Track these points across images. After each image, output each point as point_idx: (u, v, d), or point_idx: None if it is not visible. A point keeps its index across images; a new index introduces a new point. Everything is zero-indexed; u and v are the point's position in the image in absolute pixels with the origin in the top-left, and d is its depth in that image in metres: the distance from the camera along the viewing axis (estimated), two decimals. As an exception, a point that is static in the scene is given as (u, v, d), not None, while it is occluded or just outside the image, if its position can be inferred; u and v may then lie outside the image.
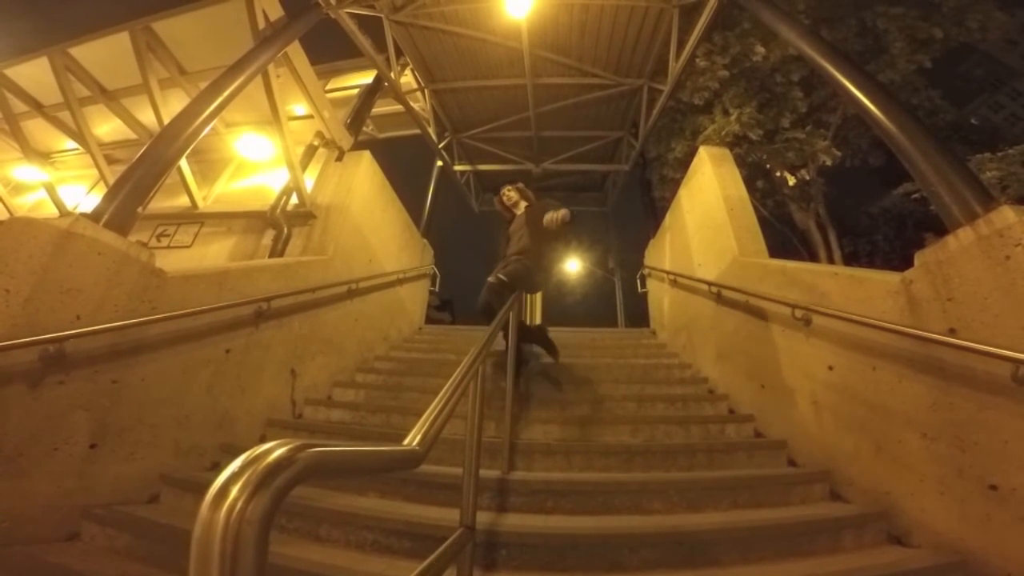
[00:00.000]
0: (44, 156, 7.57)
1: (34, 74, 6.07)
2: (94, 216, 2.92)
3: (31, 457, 2.37)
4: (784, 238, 9.01)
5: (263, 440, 3.03)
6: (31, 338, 2.32)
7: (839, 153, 7.07)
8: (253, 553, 0.47)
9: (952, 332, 2.21)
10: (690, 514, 2.49)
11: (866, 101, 3.04)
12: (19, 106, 6.60)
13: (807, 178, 7.69)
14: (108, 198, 3.09)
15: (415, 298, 7.61)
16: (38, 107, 6.65)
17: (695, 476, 2.86)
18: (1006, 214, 2.11)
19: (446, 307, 15.01)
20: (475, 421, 1.82)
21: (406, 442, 1.02)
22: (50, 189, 7.17)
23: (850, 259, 8.94)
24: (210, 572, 0.45)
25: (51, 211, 7.10)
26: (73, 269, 2.60)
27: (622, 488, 2.59)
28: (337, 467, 0.66)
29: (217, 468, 3.16)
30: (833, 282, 3.15)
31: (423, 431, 1.07)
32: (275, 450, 0.54)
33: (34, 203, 7.84)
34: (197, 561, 0.46)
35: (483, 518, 2.22)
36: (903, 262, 2.62)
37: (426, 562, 1.19)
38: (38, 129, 7.04)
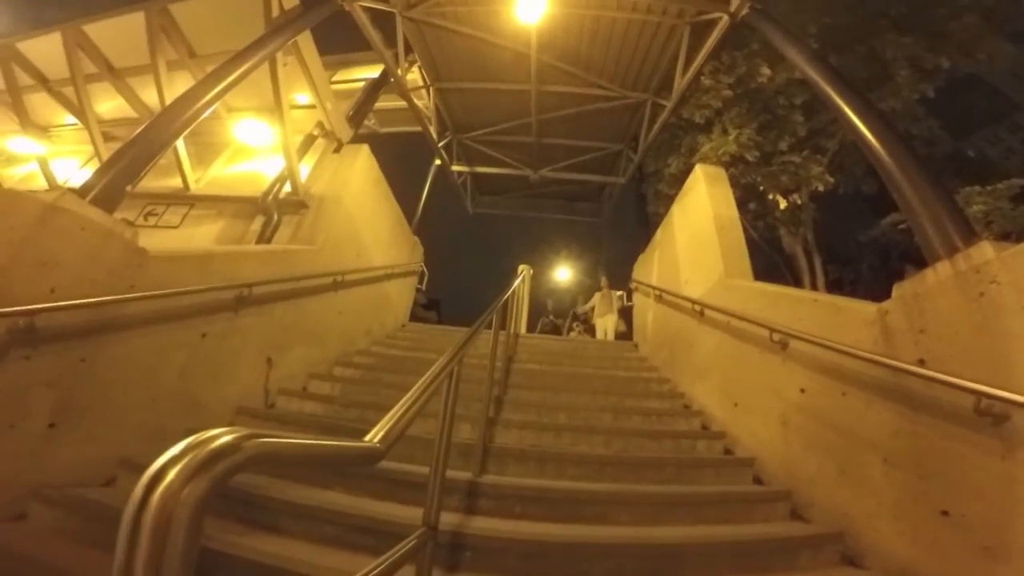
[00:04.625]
0: (42, 129, 7.47)
1: (44, 49, 5.99)
2: (82, 192, 2.89)
3: None
4: (771, 261, 9.12)
5: (230, 426, 3.01)
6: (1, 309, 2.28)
7: (832, 180, 7.17)
8: (184, 535, 0.48)
9: (921, 363, 2.25)
10: (656, 527, 2.51)
11: (863, 128, 3.12)
12: (24, 79, 6.51)
13: (799, 202, 7.79)
14: (99, 174, 3.07)
15: (402, 295, 7.58)
16: (43, 81, 6.57)
17: (663, 490, 2.88)
18: (985, 250, 2.16)
19: (433, 307, 14.96)
20: (446, 421, 1.83)
21: (367, 438, 1.01)
22: (42, 162, 7.07)
23: (834, 286, 9.07)
24: (137, 551, 0.45)
25: (41, 184, 6.98)
26: (54, 242, 2.57)
27: (591, 498, 2.61)
28: (286, 459, 0.66)
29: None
30: (812, 308, 3.21)
31: (386, 428, 1.07)
32: (220, 437, 0.55)
33: (24, 175, 7.68)
34: (125, 539, 0.47)
35: (451, 519, 2.21)
36: (885, 292, 2.67)
37: (381, 558, 1.19)
38: (40, 103, 6.95)
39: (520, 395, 4.32)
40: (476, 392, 3.40)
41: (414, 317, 8.32)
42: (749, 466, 3.35)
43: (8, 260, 2.40)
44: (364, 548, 2.09)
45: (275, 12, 4.79)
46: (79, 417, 2.67)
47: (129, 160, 3.21)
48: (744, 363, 3.84)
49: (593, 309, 9.77)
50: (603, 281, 10.07)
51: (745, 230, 5.23)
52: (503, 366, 4.59)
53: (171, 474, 0.49)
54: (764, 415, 3.46)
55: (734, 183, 5.88)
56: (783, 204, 7.95)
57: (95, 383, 2.74)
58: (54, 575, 1.97)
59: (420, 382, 1.52)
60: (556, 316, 12.25)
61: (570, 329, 11.13)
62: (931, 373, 2.11)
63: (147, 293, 2.89)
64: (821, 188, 7.13)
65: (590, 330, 10.18)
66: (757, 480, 3.32)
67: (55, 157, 7.42)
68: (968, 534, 1.96)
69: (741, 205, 6.08)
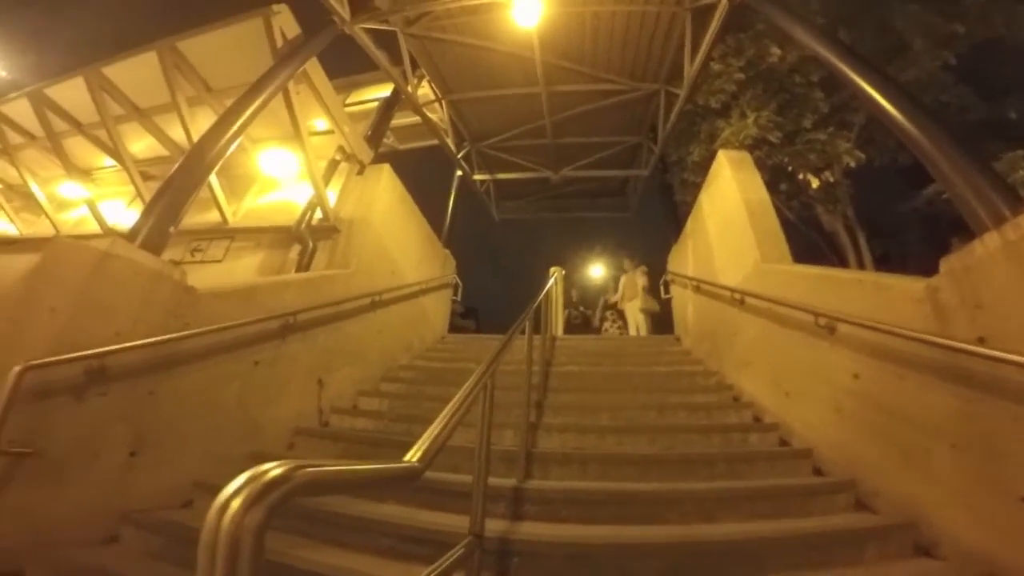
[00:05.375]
0: (85, 173, 7.94)
1: (72, 94, 6.34)
2: (130, 236, 3.13)
3: (76, 464, 2.54)
4: (811, 241, 8.75)
5: (291, 448, 3.16)
6: (76, 354, 2.51)
7: (863, 156, 6.85)
8: (249, 555, 0.57)
9: (981, 341, 2.13)
10: (705, 525, 2.47)
11: (884, 103, 3.00)
12: (60, 124, 6.92)
13: (832, 180, 7.47)
14: (143, 218, 3.30)
15: (438, 308, 7.72)
16: (78, 126, 6.97)
17: (712, 486, 2.82)
18: (1034, 216, 2.04)
19: (471, 315, 15.09)
20: (484, 432, 1.87)
21: (407, 457, 1.07)
22: (91, 205, 7.53)
23: (881, 262, 8.60)
24: (214, 571, 0.55)
25: (93, 227, 7.49)
26: (111, 288, 2.79)
27: (637, 498, 2.59)
28: (332, 485, 0.73)
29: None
30: (857, 289, 3.08)
31: (424, 447, 1.13)
32: (273, 470, 0.62)
33: (77, 219, 8.26)
34: (203, 560, 0.56)
35: (497, 526, 2.25)
36: (936, 264, 2.53)
37: (431, 568, 1.24)
38: (78, 147, 7.35)
39: (560, 398, 4.34)
40: (515, 398, 3.43)
41: (453, 327, 8.45)
42: (807, 457, 3.24)
43: (74, 308, 2.63)
44: (416, 557, 2.15)
45: (279, 43, 4.97)
46: (154, 446, 2.89)
47: (168, 201, 3.44)
48: (791, 350, 3.72)
49: (622, 296, 9.40)
50: (625, 263, 9.64)
51: (779, 211, 5.06)
52: (541, 370, 4.62)
53: (235, 505, 0.58)
54: (817, 403, 3.34)
55: (760, 165, 5.70)
56: (815, 183, 7.64)
57: (164, 414, 2.96)
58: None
59: (454, 400, 1.57)
60: (585, 307, 11.60)
61: (602, 319, 10.48)
62: (997, 353, 1.95)
63: (202, 329, 3.10)
64: (852, 164, 6.83)
65: (622, 316, 9.67)
66: (817, 471, 3.20)
67: (101, 199, 7.86)
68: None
69: (771, 187, 5.88)
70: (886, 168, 7.84)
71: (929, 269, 2.60)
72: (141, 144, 7.14)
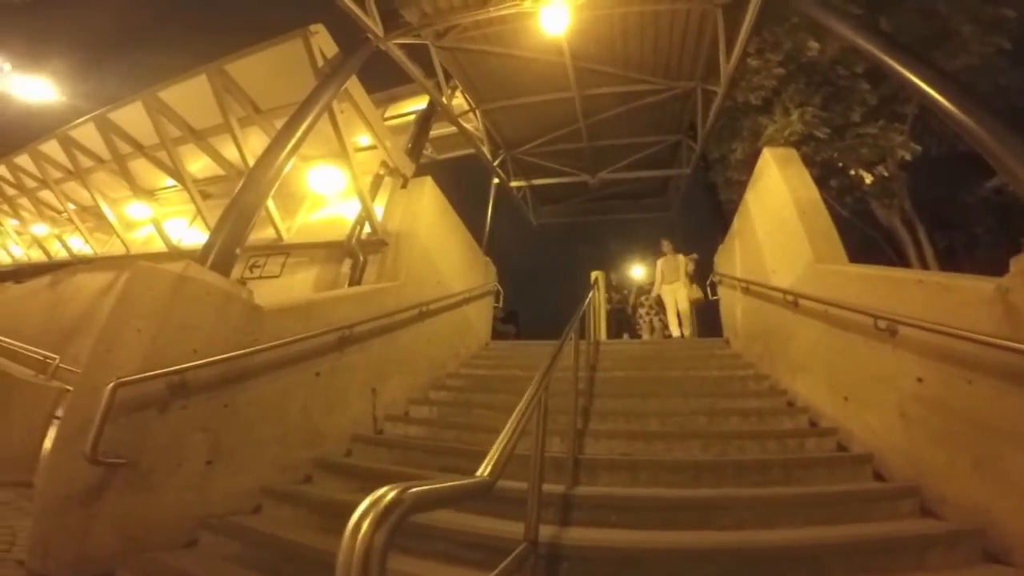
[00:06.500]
0: (149, 193, 8.56)
1: (133, 117, 6.79)
2: (200, 259, 3.39)
3: (160, 473, 2.77)
4: (867, 237, 8.33)
5: (349, 454, 3.32)
6: (160, 371, 2.74)
7: (919, 148, 6.47)
8: (377, 565, 0.70)
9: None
10: (760, 531, 2.44)
11: (934, 93, 2.88)
12: (124, 147, 7.42)
13: (886, 174, 7.10)
14: (212, 239, 3.57)
15: (481, 315, 7.87)
16: (140, 148, 7.46)
17: (767, 492, 2.79)
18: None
19: (511, 319, 15.24)
20: (538, 443, 1.94)
21: (479, 473, 1.17)
22: (157, 224, 8.11)
23: (945, 255, 8.09)
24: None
25: (160, 245, 8.07)
26: (188, 308, 3.03)
27: (687, 504, 2.60)
28: (431, 502, 0.84)
29: (310, 481, 3.50)
30: (918, 289, 2.97)
31: (492, 463, 1.24)
32: (388, 494, 0.73)
33: (145, 238, 8.92)
34: (343, 568, 0.69)
35: (547, 531, 2.29)
36: (1011, 256, 2.42)
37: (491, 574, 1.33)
38: (141, 168, 7.87)
39: (607, 404, 4.36)
40: (562, 404, 3.44)
41: (495, 333, 8.57)
42: (867, 462, 3.15)
43: (157, 328, 2.88)
44: (472, 563, 2.24)
45: (319, 62, 5.17)
46: (229, 454, 3.12)
47: (233, 224, 3.71)
48: (849, 353, 3.60)
49: (661, 279, 8.44)
50: (664, 245, 8.72)
51: (831, 208, 4.87)
52: (587, 375, 4.65)
53: (364, 526, 0.70)
54: (879, 408, 3.23)
55: (808, 162, 5.51)
56: (869, 178, 7.27)
57: (237, 424, 3.19)
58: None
59: (513, 416, 1.65)
60: (618, 290, 11.02)
61: (635, 306, 9.62)
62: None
63: (268, 345, 3.32)
64: (908, 157, 6.46)
65: (661, 308, 8.71)
66: (878, 476, 3.10)
67: (165, 218, 8.43)
68: None
69: (821, 183, 5.67)
70: (946, 157, 7.38)
71: (1000, 260, 2.48)
72: (198, 164, 7.58)
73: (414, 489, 0.77)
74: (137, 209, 8.44)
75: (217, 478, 3.03)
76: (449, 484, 0.99)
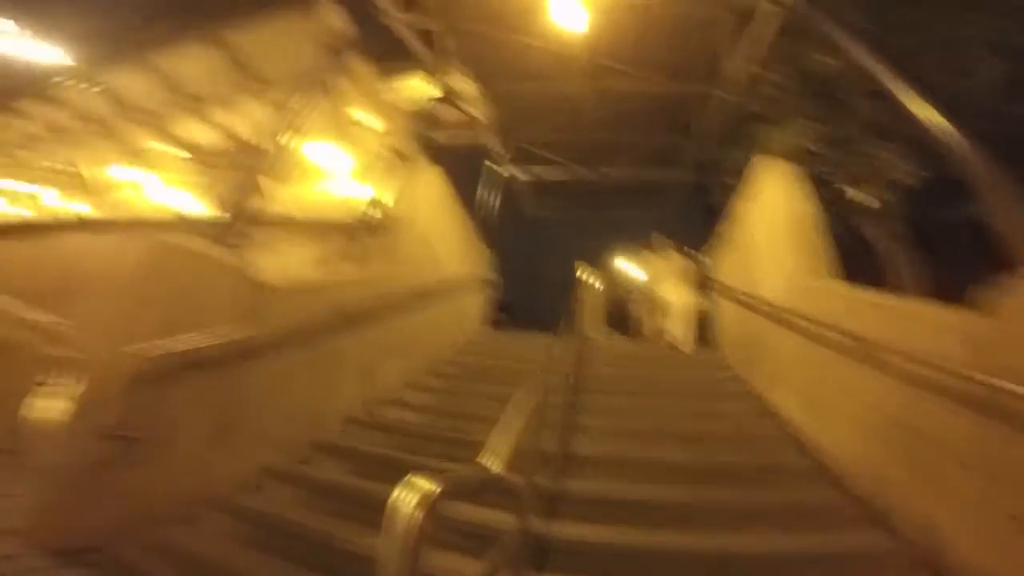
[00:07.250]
0: (145, 156, 8.40)
1: (134, 83, 6.71)
2: (212, 237, 3.47)
3: (166, 449, 2.82)
4: (850, 251, 8.50)
5: (345, 437, 3.43)
6: (173, 348, 2.79)
7: (910, 169, 6.64)
8: (415, 542, 0.87)
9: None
10: (732, 535, 2.59)
11: (926, 122, 3.06)
12: (123, 111, 7.31)
13: (880, 192, 7.27)
14: (221, 217, 3.66)
15: (477, 303, 7.98)
16: (142, 111, 7.34)
17: (740, 496, 2.97)
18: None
19: (506, 309, 15.32)
20: (536, 441, 2.09)
21: (490, 466, 1.35)
22: (156, 190, 8.07)
23: (930, 274, 8.31)
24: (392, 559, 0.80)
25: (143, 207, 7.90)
26: (201, 284, 3.13)
27: (668, 504, 2.78)
28: (458, 491, 0.99)
29: (308, 463, 3.60)
30: (894, 314, 3.12)
31: (502, 457, 1.39)
32: (421, 481, 0.87)
33: (126, 199, 8.79)
34: (384, 553, 0.82)
35: (536, 524, 2.43)
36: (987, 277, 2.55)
37: (483, 561, 1.50)
38: (138, 133, 7.79)
39: (595, 401, 4.50)
40: (550, 399, 3.56)
41: (490, 322, 8.66)
42: (829, 472, 3.32)
43: (172, 303, 2.97)
44: (467, 550, 2.34)
45: (325, 35, 5.15)
46: (231, 433, 3.22)
47: (240, 199, 3.80)
48: (824, 369, 3.73)
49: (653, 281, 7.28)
50: (654, 238, 7.57)
51: (821, 223, 5.01)
52: (574, 372, 4.80)
53: (407, 509, 0.85)
54: (849, 424, 3.39)
55: (803, 174, 5.64)
56: (858, 195, 7.44)
57: (241, 404, 3.30)
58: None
59: (519, 413, 1.79)
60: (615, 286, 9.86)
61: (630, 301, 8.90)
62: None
63: (275, 325, 3.41)
64: (900, 178, 6.64)
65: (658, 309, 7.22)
66: (842, 489, 3.29)
67: (168, 184, 8.40)
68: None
69: (814, 196, 5.80)
70: (935, 176, 7.54)
71: (981, 279, 2.63)
72: (198, 131, 7.49)
73: (448, 477, 0.91)
74: (121, 171, 8.35)
75: (219, 456, 3.10)
76: (473, 476, 1.15)
